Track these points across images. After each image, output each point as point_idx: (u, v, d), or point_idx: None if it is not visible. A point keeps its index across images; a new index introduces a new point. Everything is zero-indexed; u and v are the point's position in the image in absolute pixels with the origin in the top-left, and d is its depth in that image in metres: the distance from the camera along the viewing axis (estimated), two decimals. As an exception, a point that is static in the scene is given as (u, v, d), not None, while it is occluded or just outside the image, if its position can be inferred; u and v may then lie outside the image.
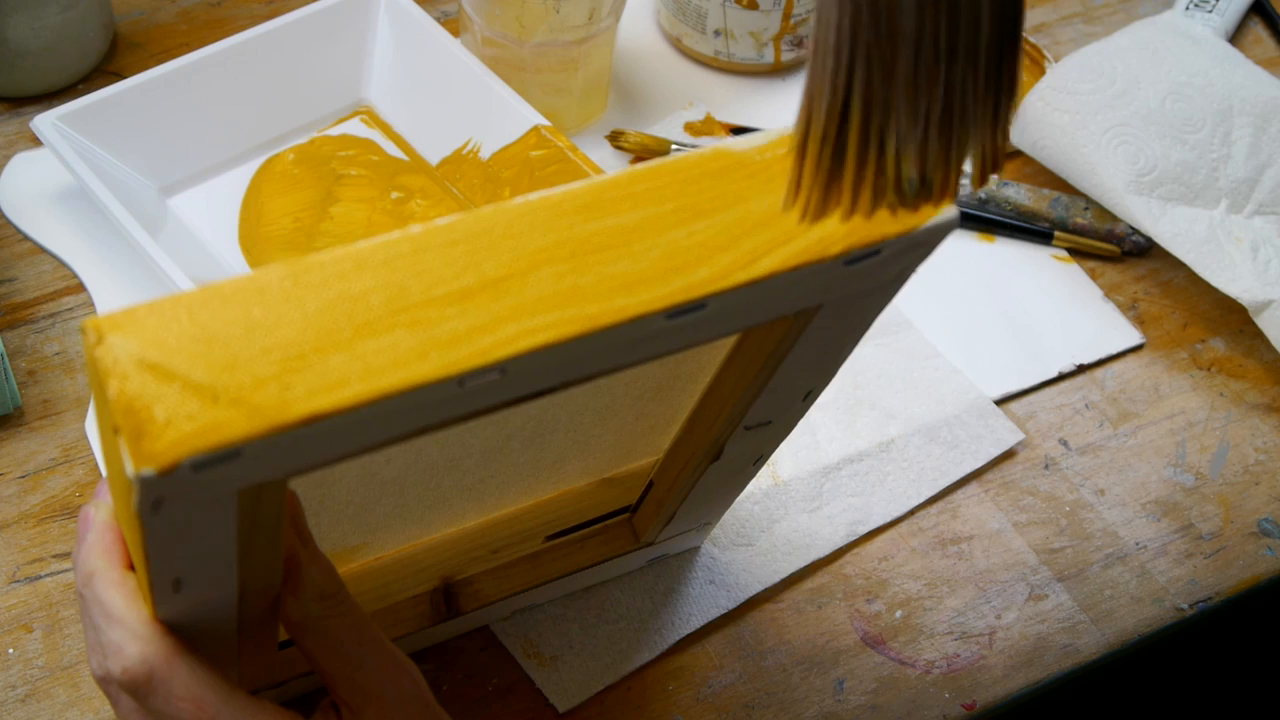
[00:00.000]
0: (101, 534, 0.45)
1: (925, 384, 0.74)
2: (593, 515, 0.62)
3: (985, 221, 0.82)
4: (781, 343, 0.45)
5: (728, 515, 0.67)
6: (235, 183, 0.78)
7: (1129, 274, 0.82)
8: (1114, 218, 0.82)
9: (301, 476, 0.38)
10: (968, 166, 0.39)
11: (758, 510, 0.69)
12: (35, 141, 0.80)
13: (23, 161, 0.80)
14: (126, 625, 0.43)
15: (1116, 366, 0.77)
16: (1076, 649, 0.67)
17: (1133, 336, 0.78)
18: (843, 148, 0.38)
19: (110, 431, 0.35)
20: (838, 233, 0.39)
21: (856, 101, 0.38)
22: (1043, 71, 0.89)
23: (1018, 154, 0.86)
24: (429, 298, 0.36)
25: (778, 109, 0.87)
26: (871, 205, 0.39)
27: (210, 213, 0.77)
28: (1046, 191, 0.83)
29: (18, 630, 0.63)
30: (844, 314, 0.44)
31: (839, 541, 0.69)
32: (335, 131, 0.81)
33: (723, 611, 0.66)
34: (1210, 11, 0.91)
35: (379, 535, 0.58)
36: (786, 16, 0.86)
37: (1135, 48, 0.84)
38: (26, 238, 0.77)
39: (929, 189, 0.39)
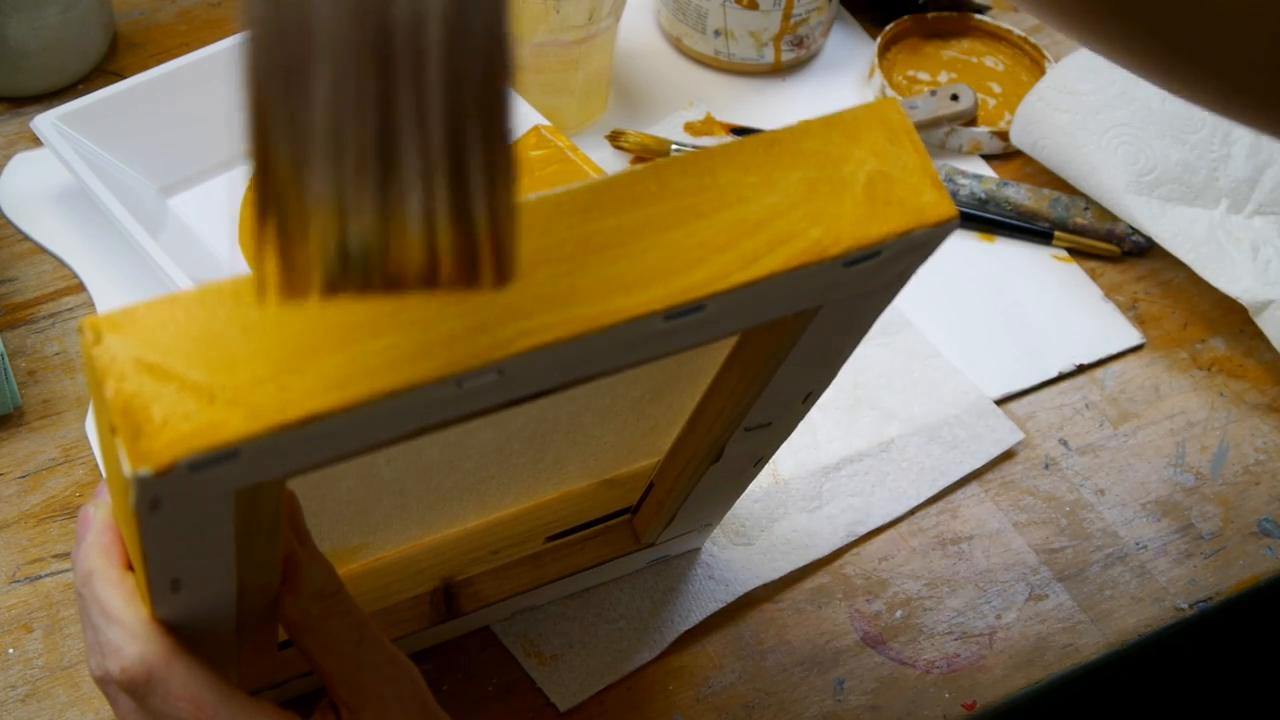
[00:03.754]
0: (100, 534, 0.45)
1: (925, 384, 0.74)
2: (593, 516, 0.62)
3: (985, 221, 0.82)
4: (781, 344, 0.45)
5: (728, 514, 0.67)
6: (235, 183, 0.78)
7: (1129, 274, 0.82)
8: (1114, 218, 0.82)
9: (300, 477, 0.38)
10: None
11: (758, 509, 0.69)
12: (35, 141, 0.80)
13: (23, 161, 0.80)
14: (125, 625, 0.43)
15: (1116, 366, 0.77)
16: (1076, 649, 0.67)
17: (1133, 336, 0.78)
18: (268, 203, 0.30)
19: (108, 431, 0.35)
20: (837, 233, 0.39)
21: (273, 145, 0.30)
22: (1043, 71, 0.89)
23: (1018, 154, 0.86)
24: (425, 299, 0.36)
25: (778, 109, 0.87)
26: (321, 282, 0.31)
27: (210, 213, 0.77)
28: (1046, 191, 0.83)
29: (18, 630, 0.63)
30: (844, 315, 0.44)
31: (839, 541, 0.69)
32: (335, 131, 0.81)
33: (721, 605, 0.66)
34: (1211, 11, 0.91)
35: (379, 536, 0.58)
36: (786, 16, 0.86)
37: (1135, 47, 0.84)
38: (26, 238, 0.77)
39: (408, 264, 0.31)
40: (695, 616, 0.65)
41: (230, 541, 0.39)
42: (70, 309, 0.74)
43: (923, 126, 0.85)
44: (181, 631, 0.43)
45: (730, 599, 0.66)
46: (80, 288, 0.75)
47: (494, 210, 0.30)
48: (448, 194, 0.30)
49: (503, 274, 0.31)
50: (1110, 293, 0.80)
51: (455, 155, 0.29)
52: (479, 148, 0.29)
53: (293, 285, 0.31)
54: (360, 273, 0.31)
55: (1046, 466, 0.73)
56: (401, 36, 0.28)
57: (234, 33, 0.78)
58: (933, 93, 0.85)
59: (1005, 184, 0.83)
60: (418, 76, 0.29)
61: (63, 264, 0.76)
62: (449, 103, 0.29)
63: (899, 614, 0.67)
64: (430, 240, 0.30)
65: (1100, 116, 0.80)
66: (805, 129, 0.40)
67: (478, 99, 0.29)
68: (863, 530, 0.69)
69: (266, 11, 0.29)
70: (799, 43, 0.88)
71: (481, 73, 0.29)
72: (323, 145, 0.30)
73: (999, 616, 0.67)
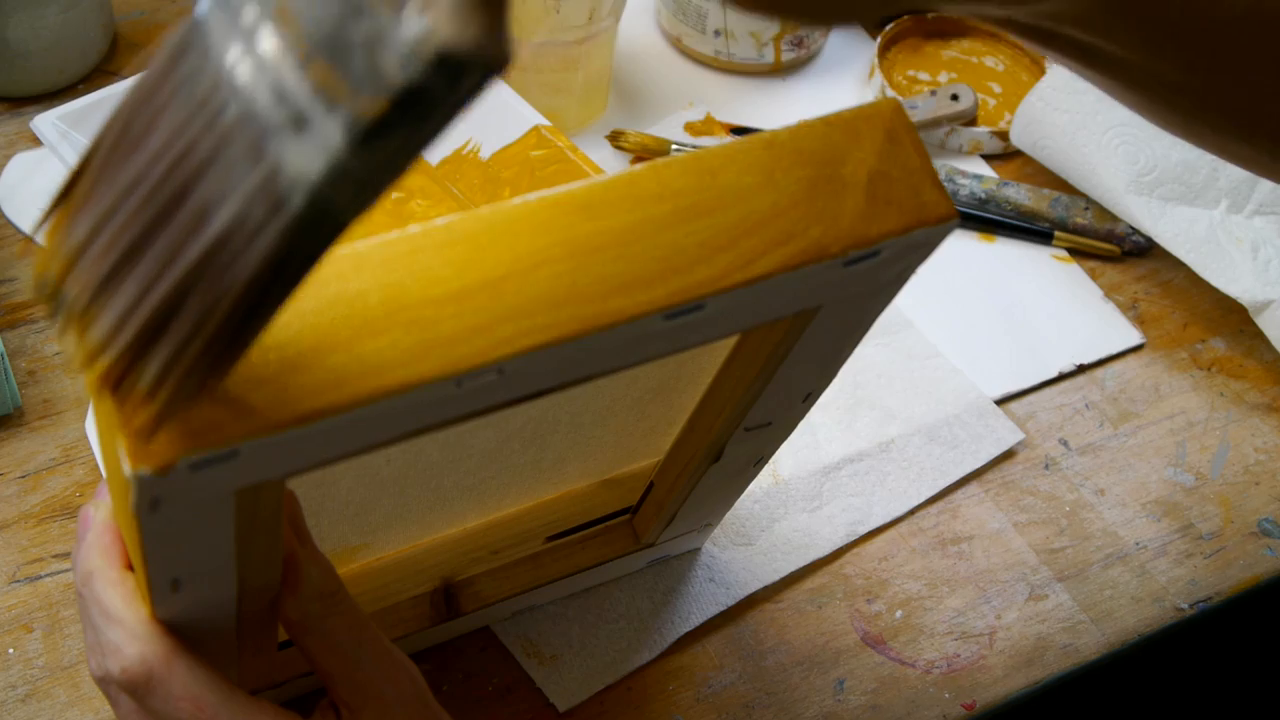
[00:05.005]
0: (100, 534, 0.45)
1: (925, 384, 0.74)
2: (593, 516, 0.62)
3: (985, 221, 0.82)
4: (781, 344, 0.45)
5: (728, 515, 0.67)
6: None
7: (1129, 274, 0.82)
8: (1114, 218, 0.82)
9: (300, 476, 0.38)
10: None
11: (758, 509, 0.69)
12: (35, 141, 0.80)
13: (23, 161, 0.80)
14: (125, 625, 0.43)
15: (1116, 366, 0.77)
16: (1076, 649, 0.67)
17: (1133, 336, 0.78)
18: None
19: (108, 431, 0.35)
20: (837, 233, 0.39)
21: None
22: (1043, 71, 0.89)
23: (1018, 154, 0.86)
24: (427, 298, 0.36)
25: (778, 109, 0.87)
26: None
27: (210, 213, 0.77)
28: (1046, 191, 0.83)
29: (18, 630, 0.63)
30: (844, 315, 0.44)
31: (839, 541, 0.69)
32: (335, 131, 0.81)
33: (722, 608, 0.66)
34: (1211, 11, 0.91)
35: (379, 536, 0.58)
36: (786, 16, 0.86)
37: (1135, 47, 0.84)
38: (27, 238, 0.77)
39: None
40: (695, 618, 0.65)
41: (230, 541, 0.39)
42: (70, 309, 0.74)
43: (923, 126, 0.85)
44: (182, 631, 0.43)
45: (731, 602, 0.66)
46: (80, 288, 0.75)
47: (156, 384, 0.31)
48: (132, 335, 0.31)
49: (136, 436, 0.32)
50: (1110, 293, 0.80)
51: (159, 315, 0.30)
52: (177, 334, 0.30)
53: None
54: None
55: (1046, 466, 0.73)
56: (187, 209, 0.29)
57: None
58: (933, 93, 0.85)
59: (1005, 184, 0.83)
60: (178, 241, 0.30)
61: (63, 264, 0.76)
62: (180, 283, 0.30)
63: (899, 614, 0.67)
64: (98, 365, 0.31)
65: (1100, 116, 0.80)
66: (805, 129, 0.40)
67: (201, 304, 0.30)
68: (863, 530, 0.69)
69: (132, 102, 0.31)
70: (799, 43, 0.88)
71: (215, 294, 0.29)
72: (85, 231, 0.31)
73: (999, 616, 0.67)
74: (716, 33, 0.87)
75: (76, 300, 0.31)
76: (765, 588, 0.67)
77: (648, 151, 0.82)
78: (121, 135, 0.31)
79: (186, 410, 0.31)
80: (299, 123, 0.28)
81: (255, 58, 0.28)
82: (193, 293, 0.30)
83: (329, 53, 0.28)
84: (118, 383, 0.31)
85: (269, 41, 0.28)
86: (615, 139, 0.82)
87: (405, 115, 0.27)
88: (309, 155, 0.28)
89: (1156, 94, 0.46)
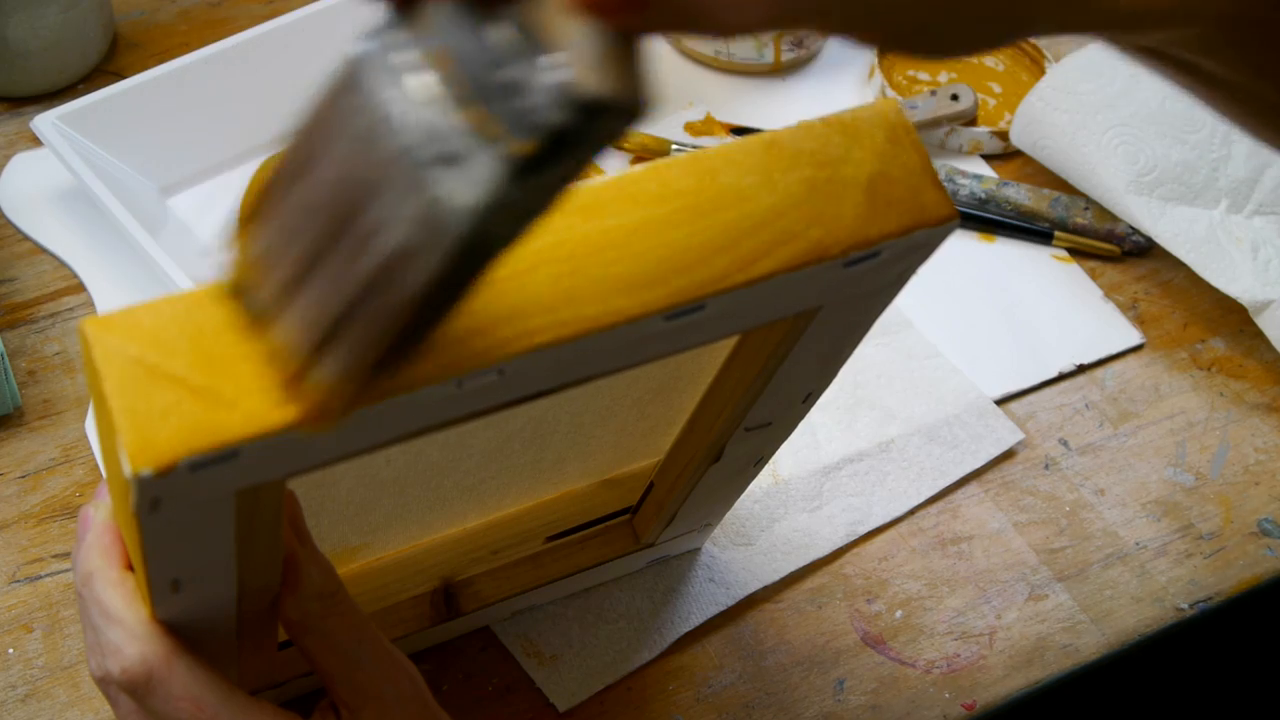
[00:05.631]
0: (100, 534, 0.45)
1: (925, 384, 0.74)
2: (593, 516, 0.62)
3: (985, 221, 0.82)
4: (781, 344, 0.45)
5: (728, 515, 0.67)
6: (235, 183, 0.78)
7: (1129, 274, 0.82)
8: (1114, 218, 0.82)
9: (300, 477, 0.38)
10: None
11: (758, 509, 0.69)
12: (35, 141, 0.80)
13: (23, 161, 0.80)
14: (125, 625, 0.43)
15: (1116, 366, 0.77)
16: (1076, 649, 0.67)
17: (1133, 336, 0.78)
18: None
19: (108, 431, 0.35)
20: (838, 233, 0.39)
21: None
22: (1043, 71, 0.89)
23: (1018, 154, 0.86)
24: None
25: (778, 109, 0.87)
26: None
27: (210, 213, 0.77)
28: (1046, 191, 0.83)
29: (18, 630, 0.63)
30: (844, 316, 0.44)
31: (839, 541, 0.69)
32: (335, 131, 0.81)
33: (722, 609, 0.66)
34: (1211, 11, 0.91)
35: (379, 536, 0.58)
36: (787, 16, 0.86)
37: (1135, 47, 0.84)
38: (26, 238, 0.77)
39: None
40: (695, 618, 0.65)
41: (231, 542, 0.39)
42: (70, 309, 0.74)
43: (923, 126, 0.85)
44: (182, 632, 0.43)
45: (731, 602, 0.66)
46: (80, 288, 0.75)
47: (337, 381, 0.34)
48: (315, 338, 0.34)
49: (312, 419, 0.35)
50: (1110, 293, 0.80)
51: (337, 322, 0.33)
52: (349, 341, 0.33)
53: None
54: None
55: (1046, 466, 0.73)
56: (357, 230, 0.33)
57: (234, 32, 0.78)
58: (933, 93, 0.85)
59: (1005, 184, 0.83)
60: (352, 257, 0.33)
61: (63, 264, 0.76)
62: (353, 297, 0.33)
63: (899, 614, 0.67)
64: (285, 357, 0.35)
65: (1100, 116, 0.80)
66: (805, 129, 0.40)
67: (370, 318, 0.33)
68: (863, 530, 0.69)
69: (304, 131, 0.34)
70: (799, 43, 0.88)
71: (383, 307, 0.33)
72: (271, 243, 0.35)
73: (999, 616, 0.67)
74: (716, 33, 0.87)
75: (263, 302, 0.35)
76: (765, 588, 0.67)
77: (648, 151, 0.82)
78: (297, 160, 0.34)
79: (354, 404, 0.34)
80: (450, 160, 0.31)
81: (409, 98, 0.32)
82: (363, 306, 0.33)
83: (481, 95, 0.31)
84: (298, 379, 0.34)
85: (423, 83, 0.31)
86: (615, 139, 0.82)
87: (554, 154, 0.31)
88: (467, 188, 0.31)
89: (1257, 112, 0.47)
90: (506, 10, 0.31)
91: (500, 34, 0.31)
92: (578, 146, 0.31)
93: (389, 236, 0.32)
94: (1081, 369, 0.77)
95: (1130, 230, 0.81)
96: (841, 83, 0.90)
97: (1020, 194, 0.82)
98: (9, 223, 0.78)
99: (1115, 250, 0.82)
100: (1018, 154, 0.86)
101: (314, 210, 0.33)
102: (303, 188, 0.34)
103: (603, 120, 0.31)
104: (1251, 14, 0.41)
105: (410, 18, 0.32)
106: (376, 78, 0.32)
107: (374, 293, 0.32)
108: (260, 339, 0.35)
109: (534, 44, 0.31)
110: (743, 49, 0.87)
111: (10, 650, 0.62)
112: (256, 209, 0.35)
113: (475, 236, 0.31)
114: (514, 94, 0.30)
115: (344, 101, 0.33)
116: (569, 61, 0.30)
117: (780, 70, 0.90)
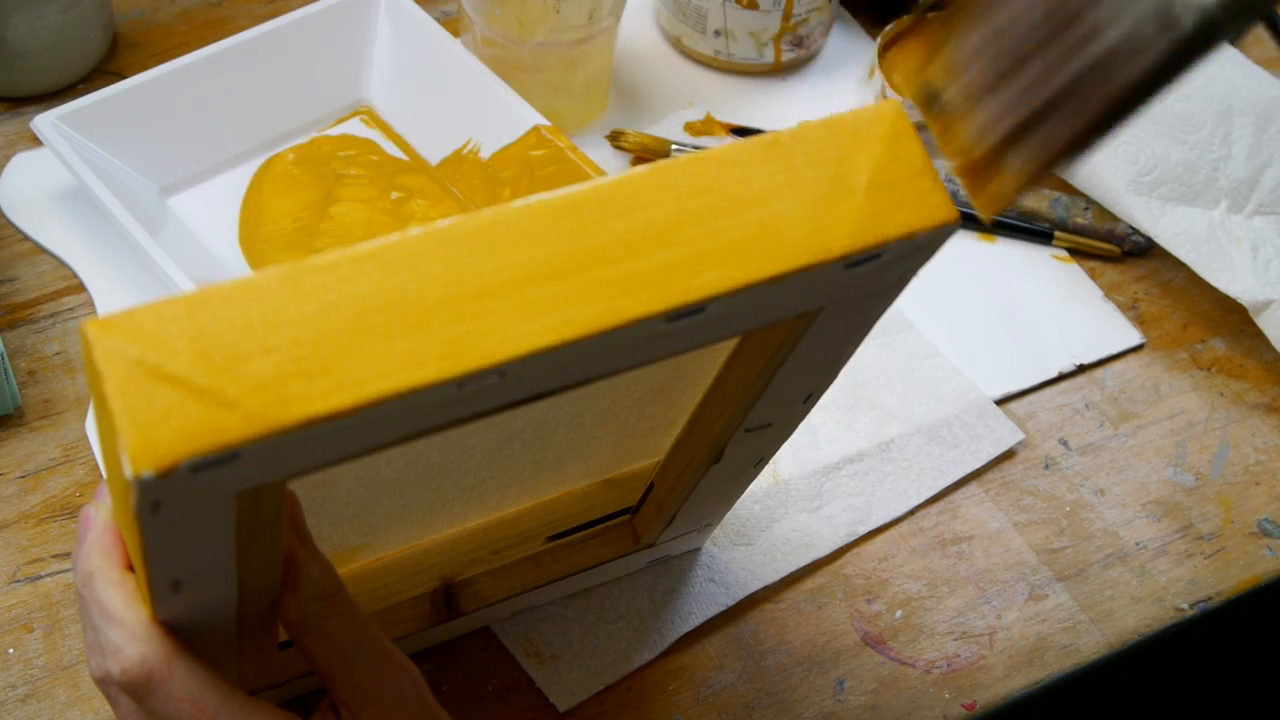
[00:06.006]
0: (101, 534, 0.45)
1: (925, 384, 0.74)
2: (593, 516, 0.62)
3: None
4: (782, 345, 0.45)
5: (728, 515, 0.67)
6: (235, 183, 0.78)
7: (1129, 274, 0.82)
8: (1114, 218, 0.82)
9: (301, 478, 0.38)
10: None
11: (758, 509, 0.69)
12: (35, 141, 0.80)
13: (23, 161, 0.80)
14: (125, 626, 0.43)
15: (1116, 366, 0.77)
16: (1076, 649, 0.67)
17: (1133, 336, 0.78)
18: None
19: (109, 433, 0.35)
20: (839, 235, 0.39)
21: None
22: (1043, 71, 0.89)
23: (1018, 154, 0.86)
24: (428, 301, 0.36)
25: (778, 109, 0.87)
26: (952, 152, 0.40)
27: (210, 213, 0.77)
28: (1046, 191, 0.83)
29: (18, 630, 0.63)
30: (845, 317, 0.44)
31: (839, 541, 0.69)
32: (335, 131, 0.81)
33: (722, 608, 0.66)
34: (1211, 11, 0.91)
35: (379, 536, 0.58)
36: (786, 17, 0.86)
37: (1136, 47, 0.84)
38: (26, 238, 0.77)
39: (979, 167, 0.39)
40: (695, 618, 0.65)
41: (231, 543, 0.39)
42: (70, 309, 0.74)
43: (923, 127, 0.85)
44: (182, 632, 0.43)
45: (731, 602, 0.66)
46: (80, 288, 0.75)
47: (1020, 170, 0.38)
48: (1005, 131, 0.38)
49: (986, 206, 0.39)
50: (1110, 293, 0.80)
51: (1033, 116, 0.37)
52: (1053, 127, 0.37)
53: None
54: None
55: (1046, 466, 0.73)
56: (1075, 30, 0.36)
57: (234, 32, 0.79)
58: (933, 92, 0.85)
59: (1005, 184, 0.83)
60: (1061, 58, 0.36)
61: (63, 264, 0.76)
62: (1064, 88, 0.37)
63: (899, 614, 0.67)
64: (969, 148, 0.39)
65: (1100, 116, 0.80)
66: (806, 131, 0.40)
67: (1076, 107, 0.36)
68: (863, 530, 0.69)
69: None
70: (799, 43, 0.88)
71: (1090, 99, 0.36)
72: (974, 46, 0.38)
73: (999, 616, 0.67)
74: (716, 33, 0.87)
75: (954, 101, 0.38)
76: (765, 588, 0.67)
77: (648, 152, 0.82)
78: None
79: (1026, 189, 0.38)
80: None
81: None
82: (1070, 98, 0.36)
83: None
84: (981, 168, 0.38)
85: None
86: (615, 139, 0.82)
87: None
88: None
89: None
90: None
91: None
92: None
93: (1112, 32, 0.34)
94: (1081, 369, 0.77)
95: (1130, 230, 0.81)
96: (841, 83, 0.90)
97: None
98: (9, 223, 0.78)
99: (1115, 250, 0.82)
100: (1018, 154, 0.86)
101: (1027, 16, 0.36)
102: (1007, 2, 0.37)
103: None
104: None
105: None
106: None
107: (1082, 87, 0.35)
108: (946, 136, 0.38)
109: None
110: (743, 49, 0.87)
111: (10, 650, 0.62)
112: (951, 15, 0.38)
113: (1203, 30, 0.33)
114: None
115: None
116: None
117: (780, 70, 0.90)
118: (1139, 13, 0.35)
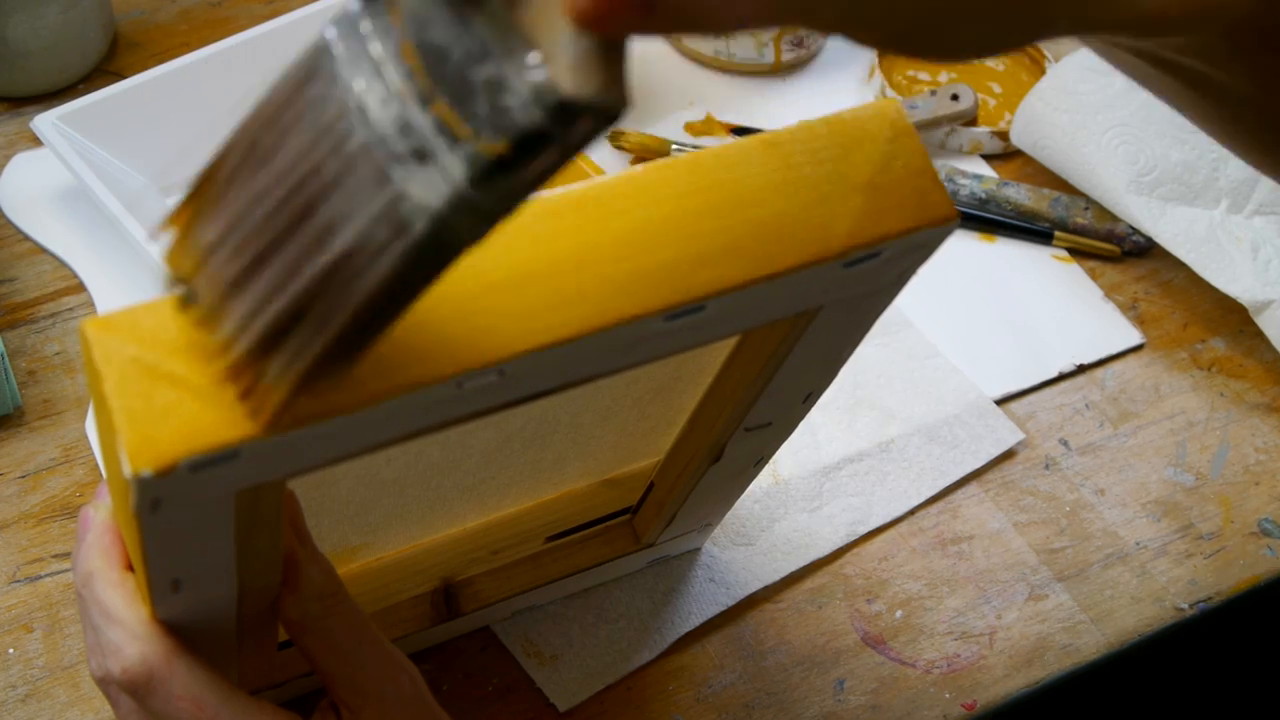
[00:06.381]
0: (101, 534, 0.45)
1: (925, 384, 0.74)
2: (593, 516, 0.62)
3: (985, 221, 0.82)
4: (782, 344, 0.45)
5: (728, 515, 0.67)
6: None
7: (1129, 274, 0.82)
8: (1114, 218, 0.82)
9: (301, 477, 0.38)
10: None
11: (758, 509, 0.69)
12: (35, 141, 0.80)
13: (23, 161, 0.80)
14: (125, 626, 0.43)
15: (1116, 366, 0.77)
16: (1076, 649, 0.67)
17: (1133, 336, 0.78)
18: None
19: (108, 432, 0.35)
20: (838, 233, 0.39)
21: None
22: (1043, 71, 0.89)
23: (1018, 154, 0.86)
24: (427, 300, 0.36)
25: (778, 109, 0.87)
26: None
27: (210, 213, 0.77)
28: (1046, 191, 0.83)
29: (18, 630, 0.63)
30: (844, 316, 0.44)
31: (839, 541, 0.69)
32: (335, 131, 0.81)
33: (722, 608, 0.66)
34: (1211, 11, 0.90)
35: (379, 536, 0.58)
36: (787, 16, 0.86)
37: (1136, 47, 0.84)
38: (26, 238, 0.77)
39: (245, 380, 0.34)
40: (695, 618, 0.65)
41: (231, 542, 0.39)
42: (70, 309, 0.74)
43: (923, 126, 0.85)
44: (182, 632, 0.43)
45: (731, 602, 0.66)
46: (80, 288, 0.75)
47: (280, 379, 0.33)
48: (258, 336, 0.33)
49: (253, 416, 0.34)
50: (1110, 293, 0.80)
51: (284, 319, 0.32)
52: (298, 339, 0.32)
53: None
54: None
55: (1046, 466, 0.73)
56: (313, 225, 0.31)
57: (234, 33, 0.79)
58: (933, 93, 0.85)
59: (1005, 184, 0.83)
60: (304, 254, 0.32)
61: (63, 264, 0.76)
62: (304, 292, 0.32)
63: (899, 614, 0.67)
64: (224, 351, 0.34)
65: (1100, 116, 0.80)
66: (806, 130, 0.40)
67: (322, 314, 0.32)
68: (863, 530, 0.69)
69: (259, 117, 0.33)
70: (799, 42, 0.88)
71: (334, 305, 0.31)
72: (215, 235, 0.33)
73: (999, 616, 0.67)
74: (716, 32, 0.87)
75: (205, 297, 0.34)
76: (765, 588, 0.67)
77: (648, 151, 0.82)
78: (250, 148, 0.33)
79: (297, 403, 0.33)
80: (421, 155, 0.30)
81: (381, 90, 0.30)
82: (316, 302, 0.32)
83: (452, 92, 0.29)
84: (239, 375, 0.33)
85: (395, 76, 0.30)
86: (615, 139, 0.82)
87: (524, 155, 0.29)
88: (431, 186, 0.30)
89: (1255, 125, 0.46)
90: (485, 2, 0.30)
91: (478, 28, 0.30)
92: (550, 149, 0.30)
93: (347, 231, 0.31)
94: (1081, 369, 0.77)
95: (1130, 230, 0.81)
96: (841, 83, 0.90)
97: (1020, 194, 0.82)
98: (9, 223, 0.78)
99: (1115, 250, 0.82)
100: (1018, 154, 0.86)
101: (265, 203, 0.32)
102: (254, 178, 0.32)
103: (578, 123, 0.29)
104: (1270, 21, 0.41)
105: (384, 5, 0.31)
106: (345, 66, 0.31)
107: (326, 290, 0.31)
108: (201, 334, 0.34)
109: (513, 40, 0.29)
110: (743, 49, 0.87)
111: (10, 650, 0.62)
112: (196, 197, 0.34)
113: (436, 236, 0.30)
114: (488, 91, 0.29)
115: (310, 90, 0.32)
116: (547, 60, 0.29)
117: (780, 70, 0.90)
118: (371, 213, 0.30)
